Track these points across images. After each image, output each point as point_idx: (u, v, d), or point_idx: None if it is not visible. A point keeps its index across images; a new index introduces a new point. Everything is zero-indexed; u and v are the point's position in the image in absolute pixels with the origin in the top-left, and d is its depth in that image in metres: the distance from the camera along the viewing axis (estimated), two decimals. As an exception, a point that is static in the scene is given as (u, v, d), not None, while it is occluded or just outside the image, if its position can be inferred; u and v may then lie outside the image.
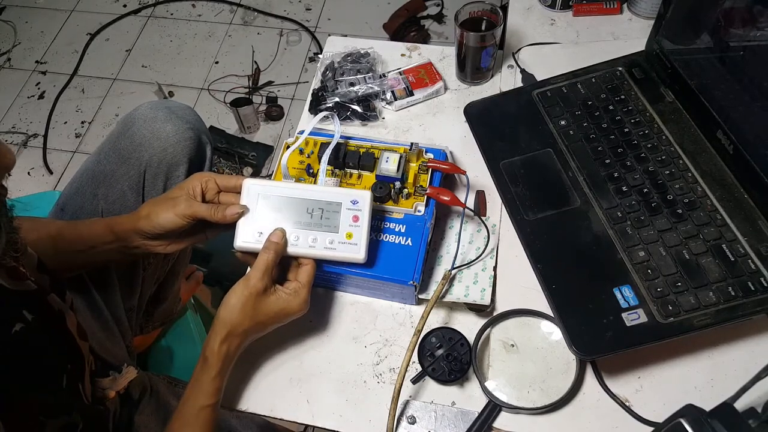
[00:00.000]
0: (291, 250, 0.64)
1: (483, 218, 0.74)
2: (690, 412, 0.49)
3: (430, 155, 0.73)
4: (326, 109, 0.85)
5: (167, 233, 0.65)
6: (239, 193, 0.66)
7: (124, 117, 0.85)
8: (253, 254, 0.64)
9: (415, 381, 0.65)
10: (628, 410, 0.62)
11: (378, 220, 0.70)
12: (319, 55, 0.93)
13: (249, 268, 0.68)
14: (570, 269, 0.67)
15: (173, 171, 0.84)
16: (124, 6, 2.16)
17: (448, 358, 0.64)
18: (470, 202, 0.76)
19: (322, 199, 0.65)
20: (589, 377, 0.65)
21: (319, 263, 0.66)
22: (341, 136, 0.73)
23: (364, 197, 0.65)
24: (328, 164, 0.72)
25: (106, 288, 0.82)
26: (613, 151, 0.74)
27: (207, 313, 1.27)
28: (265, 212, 0.65)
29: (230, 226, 0.66)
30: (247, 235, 0.64)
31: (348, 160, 0.72)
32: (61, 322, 0.61)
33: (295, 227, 0.64)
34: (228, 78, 1.91)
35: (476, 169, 0.79)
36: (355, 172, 0.73)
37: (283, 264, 0.65)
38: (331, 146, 0.70)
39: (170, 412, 0.72)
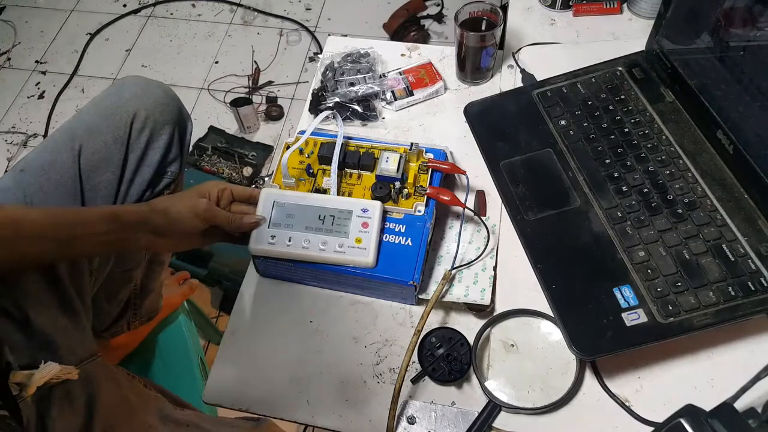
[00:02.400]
0: (302, 253, 0.67)
1: (483, 218, 0.74)
2: (690, 412, 0.49)
3: (430, 155, 0.73)
4: (326, 109, 0.85)
5: (180, 231, 0.65)
6: (252, 203, 0.69)
7: (113, 84, 0.82)
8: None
9: (415, 381, 0.65)
10: (628, 410, 0.62)
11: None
12: (319, 55, 0.93)
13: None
14: (570, 269, 0.67)
15: (158, 130, 0.80)
16: (124, 6, 2.16)
17: (448, 358, 0.64)
18: (470, 202, 0.75)
19: (334, 207, 0.68)
20: (589, 377, 0.65)
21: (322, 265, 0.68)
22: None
23: (375, 206, 0.68)
24: (327, 164, 0.72)
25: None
26: (613, 151, 0.74)
27: (203, 318, 1.26)
28: (279, 218, 0.68)
29: (230, 237, 0.69)
30: (261, 240, 0.67)
31: (348, 160, 0.72)
32: None
33: (306, 232, 0.67)
34: (228, 78, 1.91)
35: (476, 169, 0.79)
36: (355, 172, 0.73)
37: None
38: (337, 150, 0.71)
39: (130, 406, 0.70)
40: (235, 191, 0.69)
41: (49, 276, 0.69)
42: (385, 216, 0.70)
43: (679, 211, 0.68)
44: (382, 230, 0.69)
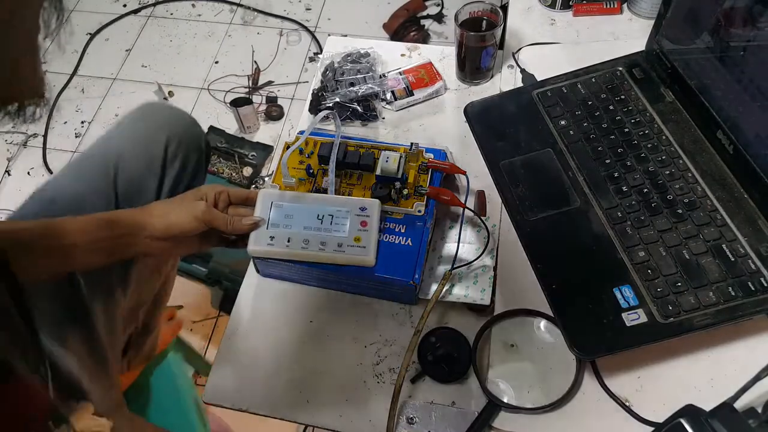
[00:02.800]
0: (301, 253, 0.67)
1: (483, 218, 0.74)
2: (690, 412, 0.49)
3: (430, 155, 0.73)
4: (325, 109, 0.85)
5: (179, 234, 0.64)
6: (249, 204, 0.68)
7: (138, 107, 0.82)
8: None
9: (415, 381, 0.65)
10: (628, 410, 0.62)
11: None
12: (319, 55, 0.93)
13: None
14: (570, 269, 0.67)
15: (188, 158, 0.81)
16: (124, 6, 2.16)
17: (448, 358, 0.64)
18: (470, 202, 0.75)
19: (333, 206, 0.68)
20: (589, 377, 0.65)
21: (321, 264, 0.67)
22: (342, 136, 0.73)
23: (373, 204, 0.67)
24: (327, 164, 0.72)
25: (107, 299, 0.72)
26: (613, 151, 0.74)
27: (190, 351, 1.21)
28: (277, 218, 0.67)
29: (227, 241, 0.69)
30: (260, 241, 0.67)
31: (348, 160, 0.72)
32: None
33: (305, 231, 0.67)
34: (228, 78, 1.91)
35: (476, 169, 0.79)
36: (355, 172, 0.73)
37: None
38: (335, 151, 0.70)
39: None
40: (232, 193, 0.69)
41: (83, 322, 0.68)
42: (384, 216, 0.69)
43: (679, 211, 0.68)
44: (382, 230, 0.69)
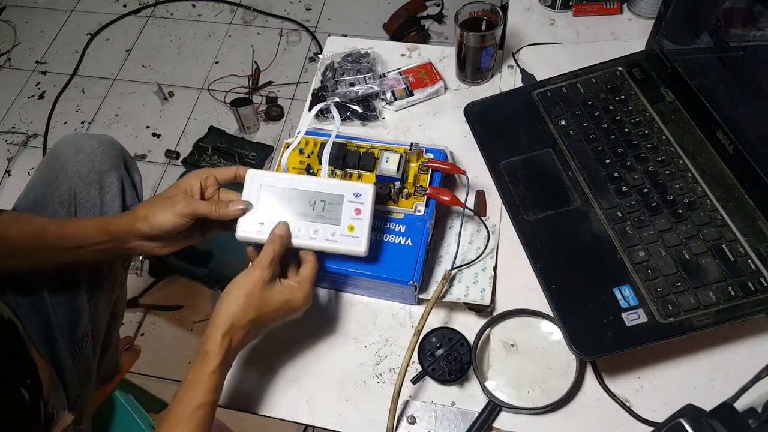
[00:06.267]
0: (293, 241, 0.64)
1: (483, 218, 0.74)
2: (690, 412, 0.49)
3: (430, 155, 0.73)
4: (320, 103, 0.84)
5: (165, 234, 0.64)
6: (239, 183, 0.66)
7: (48, 152, 0.86)
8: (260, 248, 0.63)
9: (415, 381, 0.65)
10: (628, 410, 0.62)
11: (378, 220, 0.69)
12: (319, 55, 0.93)
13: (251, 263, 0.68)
14: (570, 269, 0.67)
15: (105, 178, 0.82)
16: (124, 6, 2.17)
17: (448, 358, 0.64)
18: (470, 202, 0.75)
19: (325, 192, 0.64)
20: (589, 377, 0.65)
21: (322, 262, 0.66)
22: (342, 136, 0.73)
23: (367, 190, 0.64)
24: (328, 164, 0.72)
25: (40, 315, 0.75)
26: (613, 151, 0.74)
27: (138, 390, 1.15)
28: (268, 203, 0.64)
29: (228, 226, 0.66)
30: (249, 226, 0.64)
31: (348, 160, 0.72)
32: (11, 330, 0.60)
33: (297, 218, 0.64)
34: (228, 78, 1.91)
35: (476, 169, 0.79)
36: (355, 172, 0.73)
37: (284, 262, 0.64)
38: (331, 140, 0.69)
39: None
40: (218, 175, 0.66)
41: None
42: (386, 215, 0.69)
43: (679, 211, 0.68)
44: (383, 228, 0.69)
